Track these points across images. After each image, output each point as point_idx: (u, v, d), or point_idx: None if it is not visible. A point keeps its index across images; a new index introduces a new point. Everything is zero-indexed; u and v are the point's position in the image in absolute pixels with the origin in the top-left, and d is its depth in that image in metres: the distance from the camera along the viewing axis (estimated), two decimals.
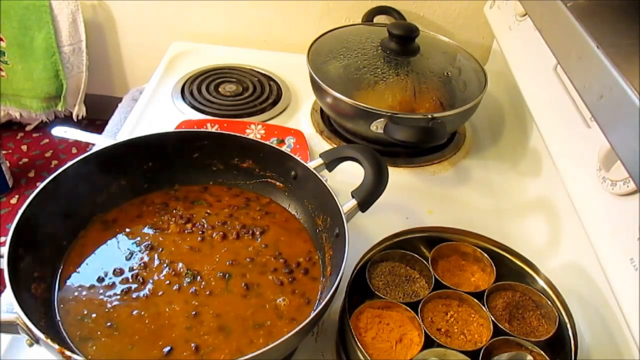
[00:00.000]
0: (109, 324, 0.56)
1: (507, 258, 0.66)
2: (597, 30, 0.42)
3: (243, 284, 0.62)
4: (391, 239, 0.67)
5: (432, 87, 0.89)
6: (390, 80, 0.89)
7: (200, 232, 0.68)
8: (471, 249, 0.67)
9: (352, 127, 0.93)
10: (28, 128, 1.80)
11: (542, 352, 0.56)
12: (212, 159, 0.75)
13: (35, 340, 0.48)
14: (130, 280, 0.61)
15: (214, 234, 0.68)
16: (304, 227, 0.71)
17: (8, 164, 1.60)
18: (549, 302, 0.61)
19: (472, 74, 0.95)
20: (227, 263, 0.65)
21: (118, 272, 0.62)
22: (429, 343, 0.57)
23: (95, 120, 1.65)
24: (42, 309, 0.56)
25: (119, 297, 0.59)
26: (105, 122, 1.18)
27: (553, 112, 0.73)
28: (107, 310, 0.58)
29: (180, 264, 0.64)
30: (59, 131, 0.82)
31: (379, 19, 1.22)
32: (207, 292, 0.61)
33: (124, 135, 0.96)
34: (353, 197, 0.64)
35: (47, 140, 1.79)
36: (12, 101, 1.56)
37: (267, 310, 0.60)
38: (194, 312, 0.58)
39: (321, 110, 1.03)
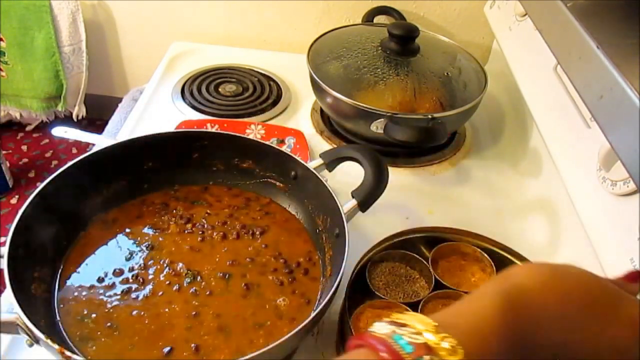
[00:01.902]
0: (109, 324, 0.56)
1: (507, 258, 0.66)
2: (597, 30, 0.42)
3: (243, 284, 0.62)
4: (391, 239, 0.67)
5: (432, 87, 0.89)
6: (390, 80, 0.89)
7: (200, 232, 0.68)
8: (471, 249, 0.67)
9: (352, 127, 0.93)
10: (28, 128, 1.80)
11: None
12: (212, 159, 0.75)
13: (35, 340, 0.48)
14: (130, 280, 0.61)
15: (214, 234, 0.68)
16: (304, 227, 0.71)
17: (8, 164, 1.60)
18: None
19: (472, 74, 0.94)
20: (227, 263, 0.65)
21: (118, 272, 0.62)
22: None
23: (95, 120, 1.65)
24: (42, 309, 0.56)
25: (119, 297, 0.59)
26: (105, 122, 1.18)
27: (553, 112, 0.73)
28: (107, 310, 0.58)
29: (180, 264, 0.64)
30: (59, 131, 0.82)
31: (379, 19, 1.22)
32: (207, 292, 0.61)
33: (124, 135, 0.96)
34: (353, 197, 0.64)
35: (47, 140, 1.79)
36: (12, 101, 1.56)
37: (267, 311, 0.60)
38: (194, 313, 0.58)
39: (321, 110, 1.03)
